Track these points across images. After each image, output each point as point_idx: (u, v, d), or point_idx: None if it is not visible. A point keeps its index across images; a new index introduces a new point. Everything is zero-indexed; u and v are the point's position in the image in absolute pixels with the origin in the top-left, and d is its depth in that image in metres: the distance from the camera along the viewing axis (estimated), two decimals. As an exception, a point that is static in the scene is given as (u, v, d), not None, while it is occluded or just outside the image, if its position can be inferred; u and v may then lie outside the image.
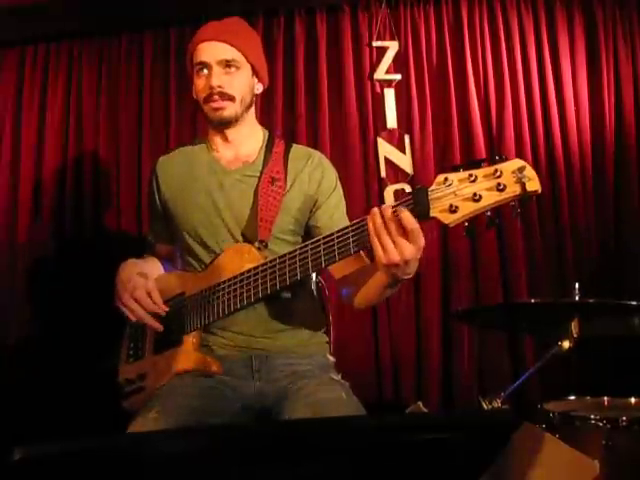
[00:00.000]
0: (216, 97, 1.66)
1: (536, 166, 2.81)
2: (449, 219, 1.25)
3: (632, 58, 2.90)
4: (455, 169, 1.27)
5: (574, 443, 1.60)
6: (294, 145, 1.81)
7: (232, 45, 1.68)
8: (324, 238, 1.42)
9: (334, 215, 1.70)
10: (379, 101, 2.92)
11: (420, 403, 2.03)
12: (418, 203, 1.27)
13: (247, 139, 1.77)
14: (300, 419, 1.41)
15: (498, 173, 1.22)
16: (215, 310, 1.59)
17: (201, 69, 1.69)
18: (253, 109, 1.78)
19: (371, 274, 1.51)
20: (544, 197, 2.79)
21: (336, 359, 1.75)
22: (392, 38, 2.93)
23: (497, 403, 1.87)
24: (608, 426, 1.78)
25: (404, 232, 1.27)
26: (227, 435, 0.88)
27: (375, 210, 1.31)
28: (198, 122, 2.87)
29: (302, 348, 1.68)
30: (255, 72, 1.75)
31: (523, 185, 1.20)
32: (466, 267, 2.81)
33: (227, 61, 1.67)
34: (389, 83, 2.93)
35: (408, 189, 2.84)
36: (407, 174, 2.88)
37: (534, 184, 1.21)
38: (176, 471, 0.84)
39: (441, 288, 2.82)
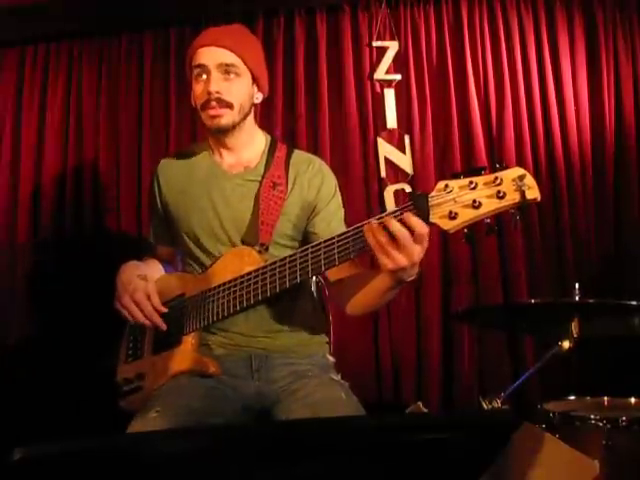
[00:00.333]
0: (214, 104, 1.63)
1: (536, 166, 2.81)
2: (448, 225, 1.26)
3: (632, 58, 2.90)
4: (455, 176, 1.27)
5: (574, 443, 1.60)
6: (296, 150, 1.80)
7: (232, 51, 1.64)
8: (325, 242, 1.42)
9: (332, 222, 1.69)
10: (379, 101, 2.92)
11: (420, 403, 2.02)
12: (418, 209, 1.27)
13: (246, 145, 1.76)
14: (300, 419, 1.41)
15: (498, 181, 1.23)
16: (215, 312, 1.59)
17: (200, 74, 1.65)
18: (252, 116, 1.76)
19: (368, 280, 1.50)
20: (544, 197, 2.76)
21: (336, 359, 1.75)
22: (392, 38, 2.93)
23: (497, 403, 1.86)
24: (608, 426, 1.77)
25: (412, 235, 1.26)
26: (227, 435, 0.88)
27: (375, 226, 1.29)
28: (198, 123, 2.87)
29: (302, 348, 1.68)
30: (255, 80, 1.71)
31: (523, 193, 1.21)
32: (466, 269, 2.81)
33: (226, 65, 1.63)
34: (389, 83, 2.92)
35: (408, 189, 2.84)
36: (407, 174, 2.87)
37: (534, 192, 1.22)
38: (176, 471, 0.84)
39: (441, 288, 2.82)
